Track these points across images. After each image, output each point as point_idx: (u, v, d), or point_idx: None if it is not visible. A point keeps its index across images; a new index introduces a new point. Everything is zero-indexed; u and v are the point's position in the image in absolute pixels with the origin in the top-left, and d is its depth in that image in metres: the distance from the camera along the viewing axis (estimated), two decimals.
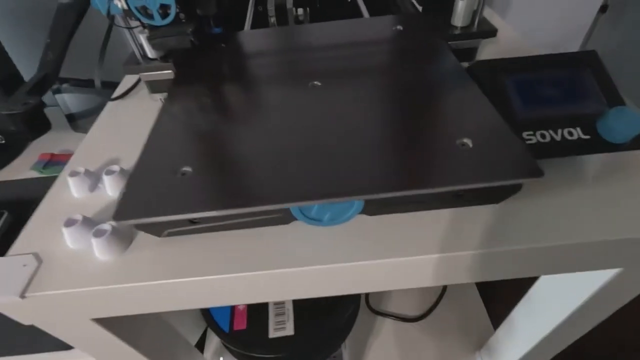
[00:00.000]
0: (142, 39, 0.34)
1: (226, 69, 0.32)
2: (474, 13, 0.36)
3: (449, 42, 0.35)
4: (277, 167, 0.22)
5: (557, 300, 0.37)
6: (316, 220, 0.25)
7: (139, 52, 0.35)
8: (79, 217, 0.27)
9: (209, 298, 0.27)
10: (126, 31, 0.33)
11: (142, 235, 0.27)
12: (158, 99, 0.38)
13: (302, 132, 0.25)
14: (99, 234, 0.25)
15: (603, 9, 0.84)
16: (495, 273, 0.26)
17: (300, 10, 0.46)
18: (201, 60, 0.32)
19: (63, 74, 0.73)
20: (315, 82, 0.28)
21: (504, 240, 0.24)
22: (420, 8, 0.41)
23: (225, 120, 0.27)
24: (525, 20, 0.80)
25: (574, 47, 0.86)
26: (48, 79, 0.29)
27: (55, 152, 0.65)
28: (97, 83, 0.36)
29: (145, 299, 0.26)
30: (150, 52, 0.35)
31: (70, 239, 0.26)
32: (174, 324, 0.45)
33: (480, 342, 0.61)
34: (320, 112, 0.26)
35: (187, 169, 0.22)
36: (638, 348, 0.73)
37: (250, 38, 0.37)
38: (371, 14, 0.45)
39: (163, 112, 0.27)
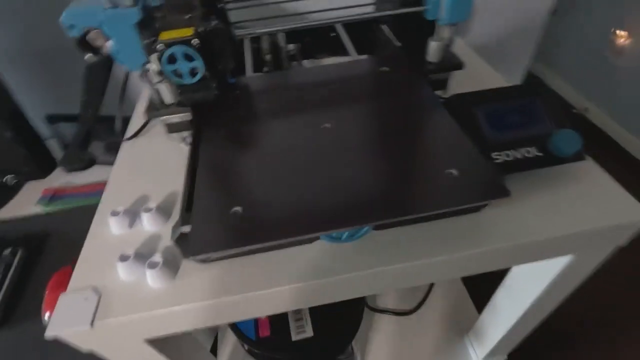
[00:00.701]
0: (160, 87, 0.38)
1: (245, 115, 0.37)
2: (445, 49, 0.42)
3: (426, 76, 0.42)
4: (310, 202, 0.27)
5: (529, 284, 0.45)
6: (336, 239, 0.31)
7: (157, 98, 0.39)
8: (130, 252, 0.31)
9: (249, 311, 0.32)
10: (147, 83, 0.37)
11: (186, 263, 0.31)
12: (175, 138, 0.42)
13: (320, 170, 0.30)
14: (152, 265, 0.30)
15: (554, 11, 0.95)
16: (479, 267, 0.33)
17: (291, 46, 0.52)
18: (222, 110, 0.37)
19: (59, 108, 0.75)
20: (326, 125, 0.33)
21: (485, 241, 0.31)
22: (398, 43, 0.47)
23: (257, 162, 0.32)
24: (486, 26, 0.89)
25: (529, 45, 0.97)
26: (90, 133, 0.33)
27: (56, 185, 0.67)
28: (118, 125, 0.40)
29: (195, 317, 0.31)
30: (167, 99, 0.39)
31: (124, 272, 0.31)
32: (195, 334, 0.49)
33: (468, 327, 0.68)
34: (334, 152, 0.31)
35: (238, 208, 0.27)
36: (594, 323, 0.88)
37: (260, 84, 0.42)
38: (354, 45, 0.51)
39: (201, 161, 0.32)
